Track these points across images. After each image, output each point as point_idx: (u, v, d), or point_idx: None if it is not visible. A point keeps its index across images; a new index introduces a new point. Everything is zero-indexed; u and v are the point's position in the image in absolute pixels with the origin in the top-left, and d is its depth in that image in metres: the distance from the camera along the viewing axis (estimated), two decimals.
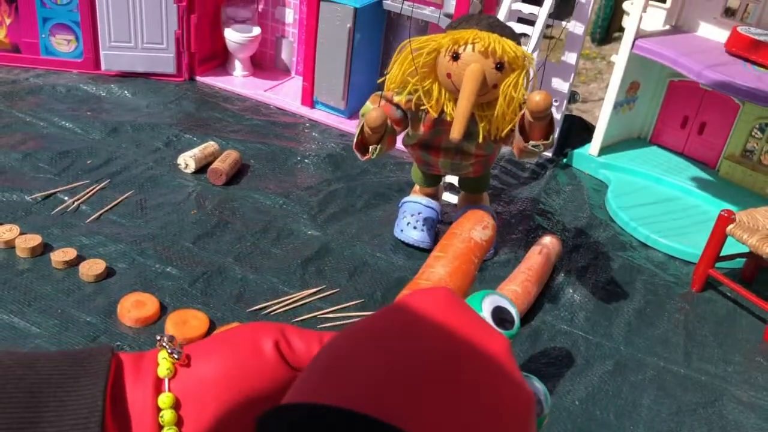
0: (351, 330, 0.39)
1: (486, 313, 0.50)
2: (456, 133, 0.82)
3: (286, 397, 0.37)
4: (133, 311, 0.84)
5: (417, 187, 1.09)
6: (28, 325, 0.81)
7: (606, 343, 0.93)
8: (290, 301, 0.91)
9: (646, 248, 1.14)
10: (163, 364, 0.47)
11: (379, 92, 0.93)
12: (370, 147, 0.87)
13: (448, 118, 0.87)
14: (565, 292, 1.01)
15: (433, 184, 1.07)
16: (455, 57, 0.83)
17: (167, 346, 0.47)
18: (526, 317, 0.94)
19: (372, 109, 0.83)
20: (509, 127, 0.88)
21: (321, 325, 0.87)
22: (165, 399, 0.46)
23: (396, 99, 0.92)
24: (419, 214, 1.05)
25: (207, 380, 0.47)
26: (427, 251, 1.04)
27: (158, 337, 0.48)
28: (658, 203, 1.25)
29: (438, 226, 1.08)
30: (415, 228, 1.04)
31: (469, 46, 0.82)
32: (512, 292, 0.93)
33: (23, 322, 0.81)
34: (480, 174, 1.02)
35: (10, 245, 0.92)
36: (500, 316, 0.51)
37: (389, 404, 0.33)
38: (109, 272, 0.91)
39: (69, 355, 0.45)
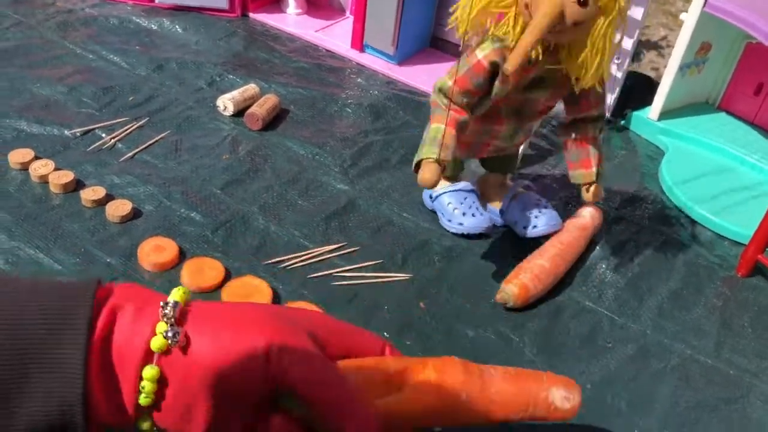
0: None
1: None
2: (510, 64, 0.72)
3: None
4: (152, 255, 0.85)
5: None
6: (51, 261, 0.84)
7: (632, 325, 0.89)
8: (308, 256, 0.90)
9: (694, 225, 1.08)
10: (159, 338, 0.46)
11: (456, 63, 0.79)
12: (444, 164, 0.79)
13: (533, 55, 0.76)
14: (597, 268, 0.96)
15: (458, 171, 0.99)
16: None
17: (168, 322, 0.47)
18: (550, 292, 0.91)
19: (425, 171, 0.76)
20: (592, 82, 0.80)
21: (335, 283, 0.87)
22: (150, 371, 0.46)
23: (480, 55, 0.78)
24: (465, 199, 0.95)
25: (197, 365, 0.47)
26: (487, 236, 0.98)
27: (162, 304, 0.48)
28: (717, 176, 1.17)
29: None
30: (473, 215, 0.94)
31: None
32: (539, 267, 0.89)
33: (47, 259, 0.84)
34: (519, 147, 0.95)
35: (44, 180, 0.94)
36: None
37: None
38: (135, 213, 0.92)
39: (54, 295, 0.46)
